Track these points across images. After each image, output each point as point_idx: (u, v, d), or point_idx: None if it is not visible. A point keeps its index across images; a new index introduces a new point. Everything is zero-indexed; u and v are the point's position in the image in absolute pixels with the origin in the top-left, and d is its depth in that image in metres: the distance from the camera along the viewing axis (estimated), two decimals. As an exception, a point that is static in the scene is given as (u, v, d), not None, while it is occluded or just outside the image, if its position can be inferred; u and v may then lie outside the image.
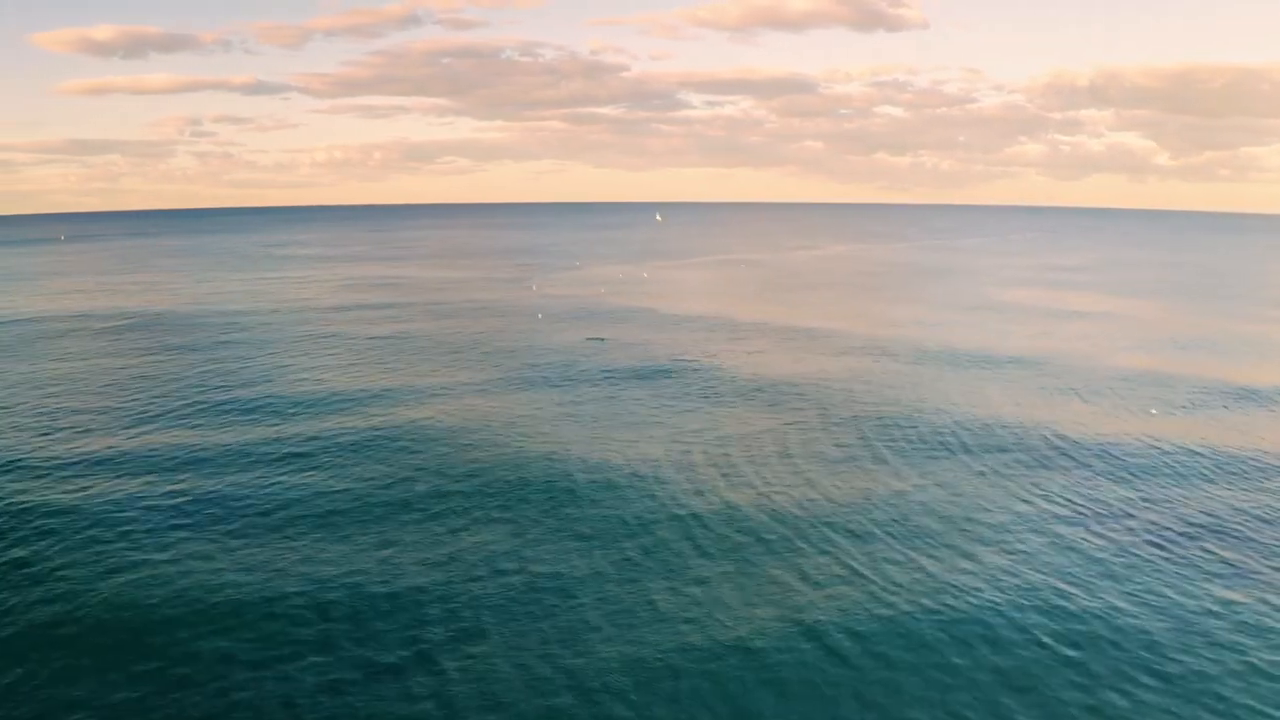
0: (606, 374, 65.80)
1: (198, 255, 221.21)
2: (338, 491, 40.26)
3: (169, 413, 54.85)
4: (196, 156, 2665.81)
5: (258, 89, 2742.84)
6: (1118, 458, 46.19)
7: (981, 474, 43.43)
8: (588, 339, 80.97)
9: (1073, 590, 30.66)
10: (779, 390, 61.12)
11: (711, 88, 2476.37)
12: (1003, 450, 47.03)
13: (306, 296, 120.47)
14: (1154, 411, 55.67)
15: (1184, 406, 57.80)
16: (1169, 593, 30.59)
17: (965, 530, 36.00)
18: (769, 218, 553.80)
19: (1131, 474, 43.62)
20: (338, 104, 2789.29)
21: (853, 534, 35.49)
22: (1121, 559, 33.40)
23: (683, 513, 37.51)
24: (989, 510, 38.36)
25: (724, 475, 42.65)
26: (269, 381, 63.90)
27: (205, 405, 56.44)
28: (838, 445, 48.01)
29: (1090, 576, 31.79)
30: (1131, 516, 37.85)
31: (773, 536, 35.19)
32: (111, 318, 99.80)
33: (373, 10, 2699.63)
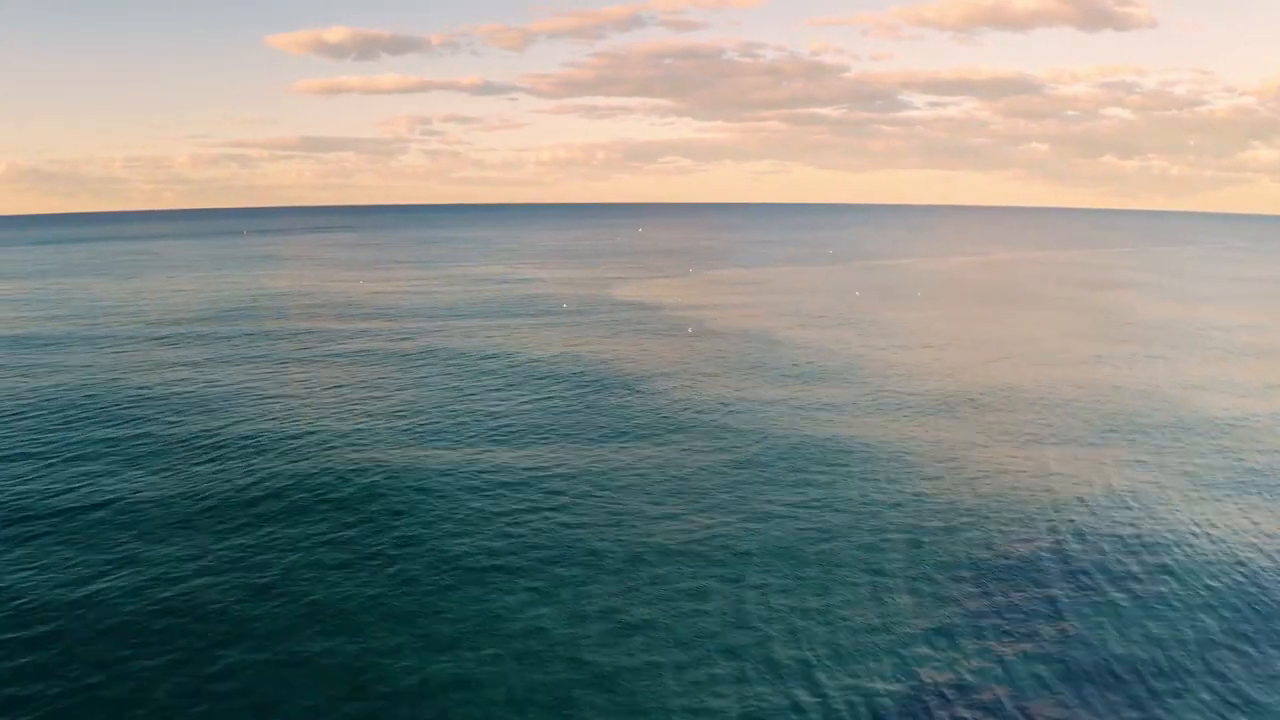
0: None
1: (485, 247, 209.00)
2: None
3: None
4: (426, 154, 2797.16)
5: (484, 89, 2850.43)
6: None
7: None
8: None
9: None
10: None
11: (933, 88, 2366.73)
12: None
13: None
14: None
15: None
16: None
17: None
18: (993, 222, 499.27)
19: None
20: (561, 104, 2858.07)
21: None
22: None
23: None
24: None
25: None
26: None
27: None
28: None
29: None
30: None
31: None
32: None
33: (594, 12, 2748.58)
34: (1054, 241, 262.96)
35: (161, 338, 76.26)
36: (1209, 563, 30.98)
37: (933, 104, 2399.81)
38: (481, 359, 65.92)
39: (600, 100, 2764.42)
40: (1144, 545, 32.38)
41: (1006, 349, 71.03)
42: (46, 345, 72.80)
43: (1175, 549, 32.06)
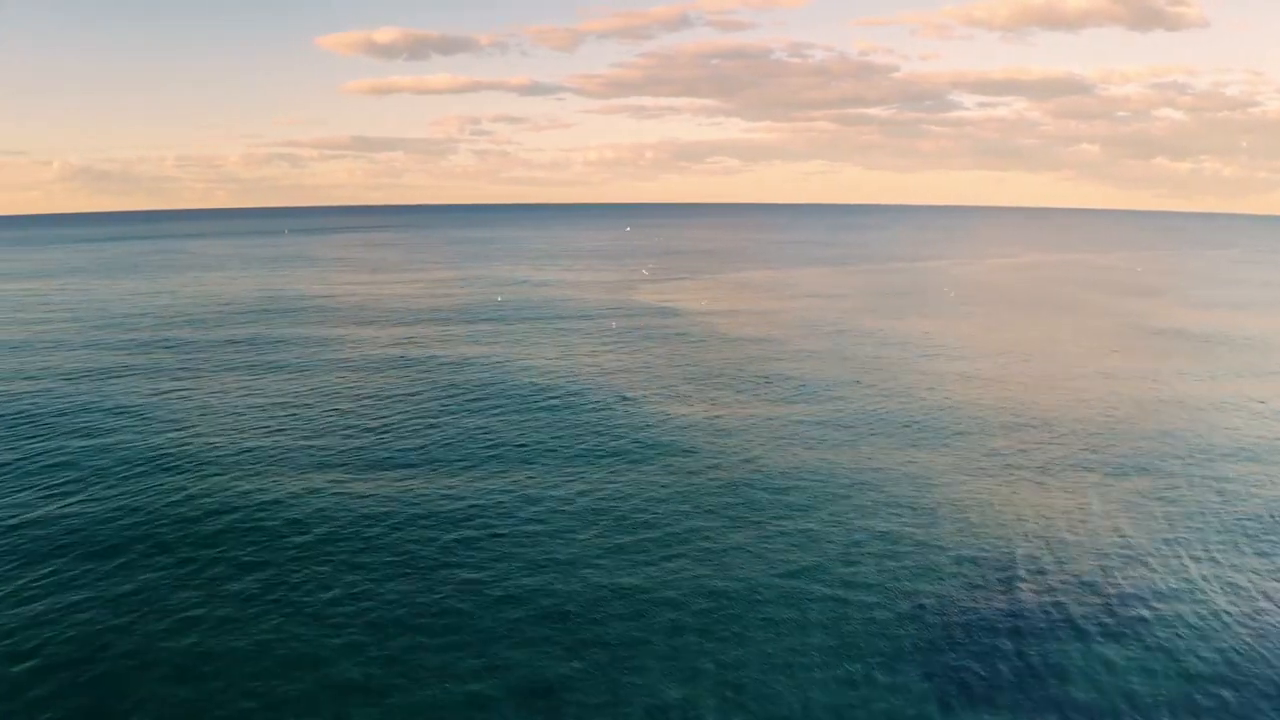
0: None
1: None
2: None
3: None
4: (475, 154, 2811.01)
5: (533, 90, 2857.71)
6: None
7: None
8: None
9: None
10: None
11: (983, 88, 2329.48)
12: None
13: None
14: None
15: None
16: None
17: None
18: (1043, 224, 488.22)
19: None
20: (609, 104, 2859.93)
21: None
22: None
23: None
24: None
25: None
26: None
27: None
28: None
29: None
30: None
31: None
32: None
33: (642, 12, 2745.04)
34: (1091, 244, 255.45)
35: (122, 342, 74.64)
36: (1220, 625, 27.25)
37: (982, 104, 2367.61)
38: (459, 369, 63.30)
39: (648, 100, 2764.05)
40: (1127, 596, 28.72)
41: (1013, 361, 66.90)
42: None
43: (1175, 602, 28.36)
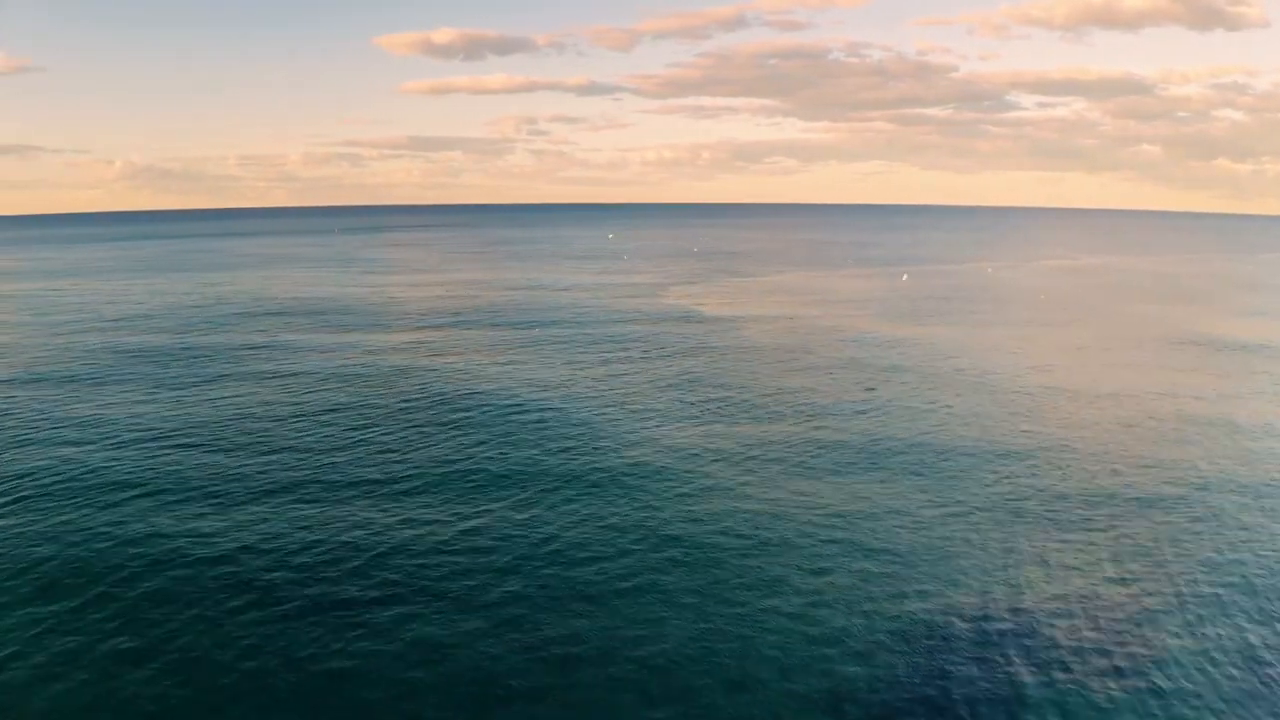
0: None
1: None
2: None
3: None
4: (532, 154, 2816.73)
5: (590, 90, 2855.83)
6: None
7: None
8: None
9: None
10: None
11: (1042, 88, 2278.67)
12: None
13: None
14: None
15: None
16: None
17: None
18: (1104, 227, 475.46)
19: None
20: (667, 104, 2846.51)
21: None
22: None
23: None
24: None
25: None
26: None
27: None
28: None
29: None
30: None
31: None
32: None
33: (700, 13, 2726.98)
34: (1138, 246, 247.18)
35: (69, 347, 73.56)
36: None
37: (1041, 104, 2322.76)
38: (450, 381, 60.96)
39: (706, 100, 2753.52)
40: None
41: (1038, 372, 62.77)
42: None
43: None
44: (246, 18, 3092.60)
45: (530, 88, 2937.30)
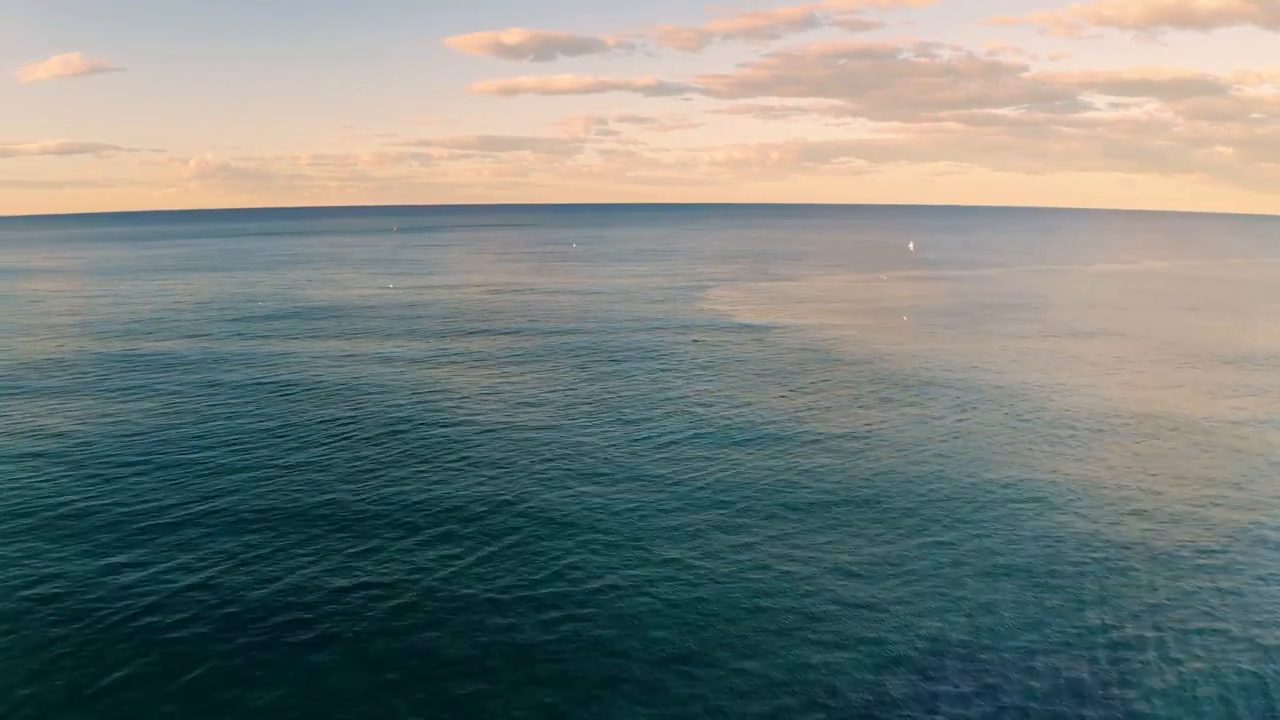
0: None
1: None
2: None
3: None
4: (602, 154, 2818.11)
5: (659, 90, 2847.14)
6: None
7: None
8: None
9: None
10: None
11: (1114, 88, 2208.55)
12: None
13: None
14: None
15: None
16: None
17: None
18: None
19: None
20: (736, 104, 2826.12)
21: None
22: None
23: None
24: None
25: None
26: None
27: None
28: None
29: None
30: None
31: None
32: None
33: (768, 13, 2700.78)
34: (1200, 250, 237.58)
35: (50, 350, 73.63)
36: None
37: (1114, 104, 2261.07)
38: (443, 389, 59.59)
39: (775, 100, 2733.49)
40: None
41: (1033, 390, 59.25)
42: None
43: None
44: (322, 21, 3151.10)
45: (599, 88, 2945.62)
